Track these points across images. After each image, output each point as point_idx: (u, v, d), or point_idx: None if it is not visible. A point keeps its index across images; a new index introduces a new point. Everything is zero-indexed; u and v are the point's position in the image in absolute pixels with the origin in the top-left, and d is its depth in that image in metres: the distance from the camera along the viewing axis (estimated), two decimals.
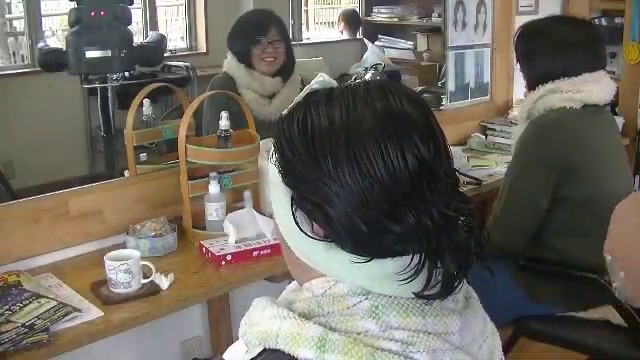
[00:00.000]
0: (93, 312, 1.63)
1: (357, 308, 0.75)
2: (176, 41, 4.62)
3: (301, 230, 0.78)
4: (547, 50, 2.12)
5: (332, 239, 0.76)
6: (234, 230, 1.96)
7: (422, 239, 0.73)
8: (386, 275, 0.75)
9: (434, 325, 0.75)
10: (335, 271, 0.78)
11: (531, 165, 2.06)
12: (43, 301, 1.62)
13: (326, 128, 0.75)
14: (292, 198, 0.78)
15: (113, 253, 1.75)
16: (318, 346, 0.72)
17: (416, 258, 0.73)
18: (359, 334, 0.73)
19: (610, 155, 2.15)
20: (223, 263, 1.89)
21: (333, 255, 0.77)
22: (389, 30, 5.05)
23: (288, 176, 0.78)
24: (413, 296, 0.75)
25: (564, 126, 2.06)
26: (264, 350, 0.77)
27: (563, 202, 2.04)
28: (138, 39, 3.83)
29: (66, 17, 2.84)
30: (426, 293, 0.74)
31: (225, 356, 0.88)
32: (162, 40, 3.56)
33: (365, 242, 0.74)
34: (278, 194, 0.81)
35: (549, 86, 2.09)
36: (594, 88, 2.07)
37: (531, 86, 2.18)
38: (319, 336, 0.72)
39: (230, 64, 2.65)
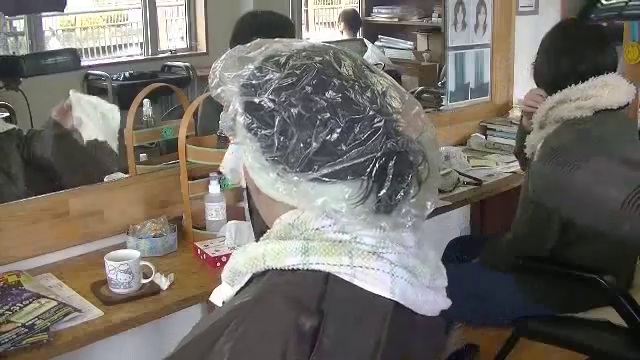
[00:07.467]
0: (93, 312, 1.63)
1: (326, 229, 0.85)
2: (176, 41, 4.61)
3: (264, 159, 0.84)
4: (573, 50, 2.06)
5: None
6: (232, 235, 1.94)
7: (370, 167, 0.82)
8: (342, 199, 0.83)
9: (394, 237, 0.86)
10: (298, 198, 0.85)
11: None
12: (43, 301, 1.62)
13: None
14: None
15: (113, 253, 1.76)
16: (302, 252, 0.82)
17: (364, 183, 0.82)
18: (334, 241, 0.84)
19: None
20: (219, 265, 1.88)
21: (294, 184, 0.84)
22: (389, 30, 5.04)
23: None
24: (367, 216, 0.84)
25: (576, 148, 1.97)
26: (253, 277, 0.86)
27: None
28: (138, 39, 3.84)
29: (67, 17, 2.82)
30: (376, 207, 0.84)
31: (211, 298, 0.95)
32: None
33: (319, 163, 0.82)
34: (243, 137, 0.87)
35: (557, 97, 2.02)
36: (603, 92, 1.98)
37: (550, 88, 2.09)
38: (302, 246, 0.83)
39: None
